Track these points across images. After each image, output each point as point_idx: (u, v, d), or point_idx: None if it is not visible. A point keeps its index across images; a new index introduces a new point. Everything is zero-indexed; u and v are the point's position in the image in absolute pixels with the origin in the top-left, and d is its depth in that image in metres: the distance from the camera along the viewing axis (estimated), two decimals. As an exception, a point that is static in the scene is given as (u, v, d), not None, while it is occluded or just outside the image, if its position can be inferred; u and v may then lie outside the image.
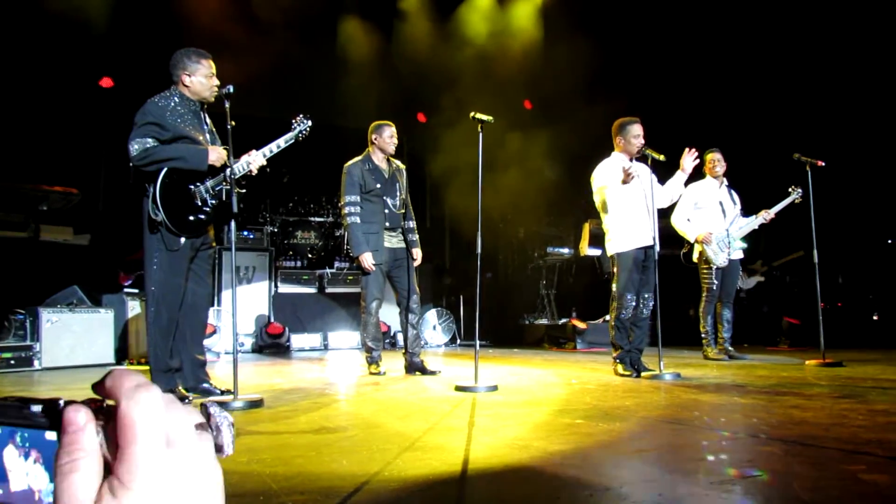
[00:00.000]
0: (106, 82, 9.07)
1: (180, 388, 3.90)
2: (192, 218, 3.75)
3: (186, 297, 3.91)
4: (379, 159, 5.42)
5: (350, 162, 5.41)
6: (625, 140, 5.10)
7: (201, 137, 3.85)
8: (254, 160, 3.95)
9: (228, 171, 3.72)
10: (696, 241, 6.45)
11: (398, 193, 5.46)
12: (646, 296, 5.11)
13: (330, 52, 9.91)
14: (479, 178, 4.43)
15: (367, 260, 5.21)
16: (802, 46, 8.49)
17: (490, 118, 4.39)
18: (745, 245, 6.54)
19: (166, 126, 3.71)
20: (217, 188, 3.83)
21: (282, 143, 4.08)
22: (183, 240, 3.75)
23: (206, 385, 4.00)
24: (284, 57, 8.96)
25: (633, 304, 5.06)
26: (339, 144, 9.32)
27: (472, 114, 4.40)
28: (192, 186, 3.77)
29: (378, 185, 5.33)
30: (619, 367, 5.04)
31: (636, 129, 5.10)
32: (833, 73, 8.48)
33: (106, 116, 8.80)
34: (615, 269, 5.16)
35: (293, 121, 4.17)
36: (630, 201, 5.08)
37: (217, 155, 3.76)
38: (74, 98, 8.56)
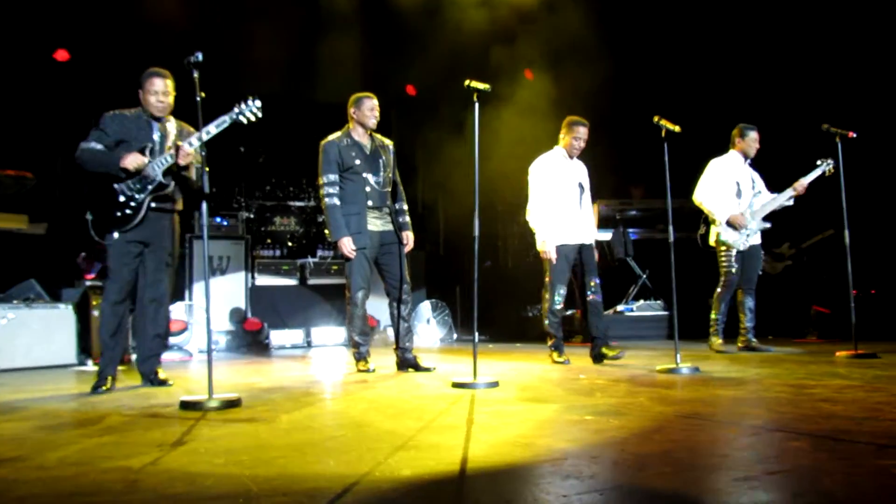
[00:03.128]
0: (61, 55, 9.00)
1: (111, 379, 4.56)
2: (118, 213, 4.45)
3: (144, 294, 4.67)
4: (359, 134, 5.40)
5: (327, 138, 5.39)
6: (567, 139, 5.83)
7: (147, 143, 4.51)
8: (179, 151, 4.39)
9: (165, 156, 4.47)
10: (728, 223, 6.39)
11: (382, 170, 5.42)
12: (593, 282, 5.84)
13: (307, 20, 9.85)
14: (475, 153, 4.42)
15: (347, 245, 5.21)
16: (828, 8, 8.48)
17: (487, 86, 4.38)
18: (766, 225, 6.52)
19: (108, 132, 4.49)
20: (143, 184, 4.45)
21: (212, 128, 4.19)
22: (116, 234, 4.45)
23: (153, 377, 4.72)
24: (255, 25, 8.91)
25: (564, 295, 5.83)
26: (321, 121, 9.26)
27: (466, 82, 4.38)
28: (116, 185, 4.45)
29: (357, 162, 5.30)
30: (554, 355, 5.76)
31: (580, 132, 5.78)
32: (862, 34, 8.46)
33: (62, 92, 8.74)
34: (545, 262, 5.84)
35: (236, 104, 4.33)
36: (559, 200, 5.78)
37: (132, 159, 4.35)
38: (26, 72, 8.49)
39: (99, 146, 4.45)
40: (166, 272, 4.71)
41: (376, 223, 5.40)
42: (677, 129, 4.98)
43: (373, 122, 5.38)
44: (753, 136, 6.54)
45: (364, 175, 5.32)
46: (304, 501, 1.80)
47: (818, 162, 6.41)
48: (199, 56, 3.64)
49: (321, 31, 9.56)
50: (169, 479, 2.07)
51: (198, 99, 3.66)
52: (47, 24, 8.48)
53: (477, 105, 4.42)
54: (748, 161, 6.59)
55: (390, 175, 5.51)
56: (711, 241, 6.56)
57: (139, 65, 4.70)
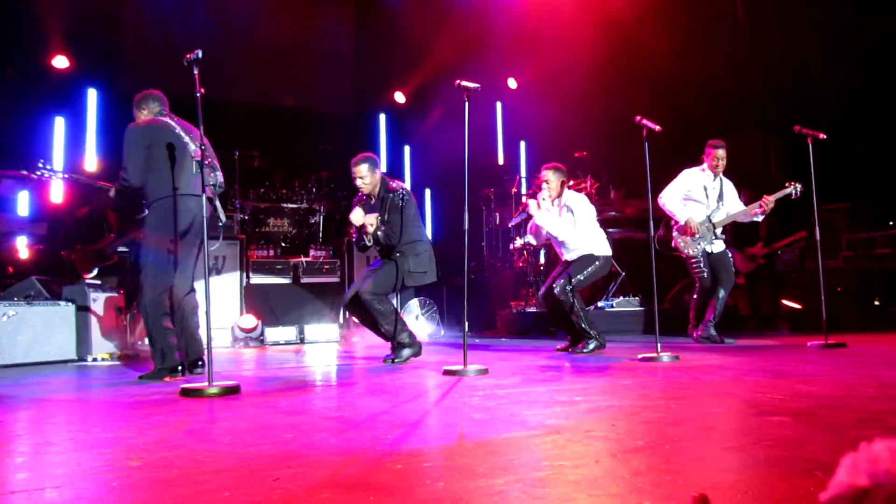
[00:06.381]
0: (60, 62, 8.93)
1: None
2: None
3: None
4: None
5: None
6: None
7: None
8: None
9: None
10: (685, 224, 6.38)
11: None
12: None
13: (300, 29, 9.83)
14: (465, 152, 4.40)
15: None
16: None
17: (477, 85, 4.36)
18: (721, 237, 6.52)
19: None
20: None
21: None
22: None
23: None
24: (252, 33, 8.88)
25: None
26: (312, 127, 9.24)
27: (457, 81, 4.37)
28: None
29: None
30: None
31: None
32: (832, 40, 8.55)
33: (61, 97, 8.70)
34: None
35: None
36: None
37: None
38: (26, 77, 8.43)
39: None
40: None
41: None
42: (658, 128, 4.98)
43: (358, 182, 5.19)
44: (716, 153, 6.47)
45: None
46: (310, 471, 1.78)
47: (787, 184, 6.43)
48: (199, 53, 3.60)
49: (313, 40, 9.54)
50: (175, 455, 2.04)
51: (197, 95, 3.63)
52: (48, 33, 8.43)
53: (467, 104, 4.40)
54: (717, 177, 6.57)
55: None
56: (673, 244, 6.55)
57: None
